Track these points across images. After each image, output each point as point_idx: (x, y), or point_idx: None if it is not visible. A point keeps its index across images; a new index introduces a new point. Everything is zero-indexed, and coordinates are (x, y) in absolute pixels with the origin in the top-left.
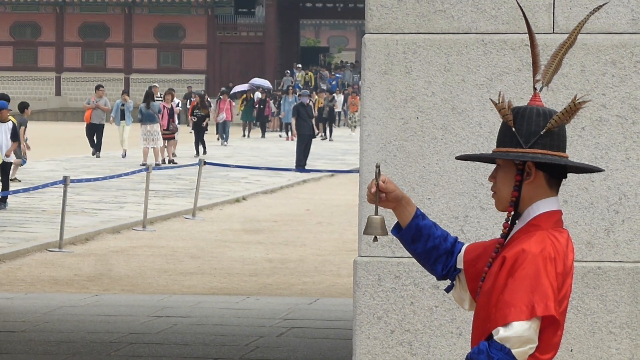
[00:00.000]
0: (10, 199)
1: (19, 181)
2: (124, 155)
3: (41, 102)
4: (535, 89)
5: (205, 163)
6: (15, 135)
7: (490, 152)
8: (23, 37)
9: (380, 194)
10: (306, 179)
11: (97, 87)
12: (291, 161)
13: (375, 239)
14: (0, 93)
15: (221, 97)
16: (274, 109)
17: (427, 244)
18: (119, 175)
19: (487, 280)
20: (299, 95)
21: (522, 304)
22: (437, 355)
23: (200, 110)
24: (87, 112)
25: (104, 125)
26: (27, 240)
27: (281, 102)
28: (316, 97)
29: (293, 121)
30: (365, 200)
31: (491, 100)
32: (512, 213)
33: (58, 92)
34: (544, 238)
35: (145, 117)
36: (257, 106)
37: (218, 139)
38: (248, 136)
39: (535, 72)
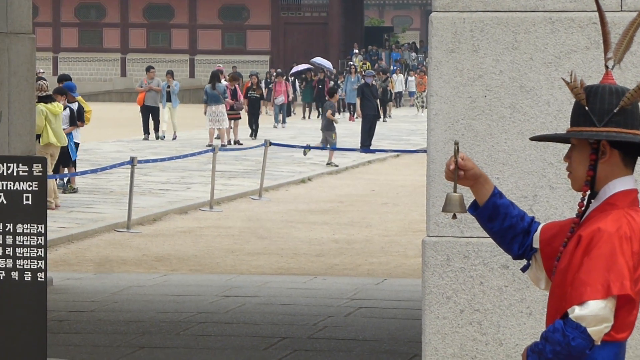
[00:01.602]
0: (78, 180)
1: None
2: (170, 138)
3: (106, 84)
4: (607, 67)
5: (270, 144)
6: (74, 119)
7: (559, 130)
8: (88, 18)
9: (459, 172)
10: (371, 160)
11: (148, 69)
12: (355, 142)
13: (454, 217)
14: (62, 74)
15: (276, 79)
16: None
17: (504, 223)
18: (186, 156)
19: (562, 259)
20: (363, 75)
21: (597, 282)
22: (507, 335)
23: (255, 92)
24: (140, 94)
25: (158, 107)
26: (95, 220)
27: (343, 82)
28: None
29: (358, 101)
30: (434, 180)
31: (563, 79)
32: (588, 192)
33: (123, 73)
34: (620, 217)
35: (211, 98)
36: (315, 87)
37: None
38: (309, 117)
39: (606, 50)
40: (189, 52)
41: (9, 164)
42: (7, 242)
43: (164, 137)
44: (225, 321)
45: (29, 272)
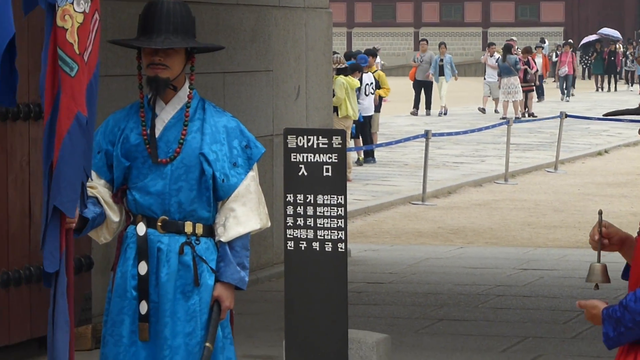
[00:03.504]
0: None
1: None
2: (442, 113)
3: (400, 58)
4: None
5: (566, 116)
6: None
7: None
8: None
9: (603, 240)
10: None
11: (420, 42)
12: None
13: (597, 287)
14: (349, 51)
15: (563, 49)
16: (628, 64)
17: None
18: (480, 129)
19: None
20: None
21: None
22: None
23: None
24: (412, 69)
25: (431, 82)
26: (390, 193)
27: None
28: None
29: None
30: None
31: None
32: None
33: (416, 48)
34: None
35: (503, 71)
36: (606, 58)
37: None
38: (601, 89)
39: None
40: (482, 25)
41: (309, 137)
42: (308, 213)
43: (445, 112)
44: (523, 294)
45: (330, 243)
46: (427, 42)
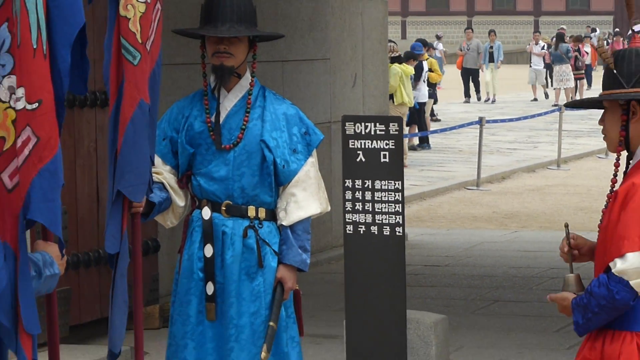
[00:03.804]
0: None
1: (439, 120)
2: (490, 101)
3: (454, 46)
4: (633, 31)
5: None
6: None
7: None
8: None
9: (573, 251)
10: None
11: (466, 30)
12: None
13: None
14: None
15: (614, 38)
16: None
17: None
18: (533, 116)
19: (604, 218)
20: None
21: (634, 235)
22: None
23: None
24: (460, 57)
25: (478, 69)
26: (445, 179)
27: None
28: None
29: None
30: None
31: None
32: (623, 153)
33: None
34: None
35: (555, 58)
36: None
37: None
38: None
39: (630, 15)
40: (534, 14)
41: (366, 124)
42: (366, 198)
43: (492, 99)
44: None
45: (387, 227)
46: (472, 30)
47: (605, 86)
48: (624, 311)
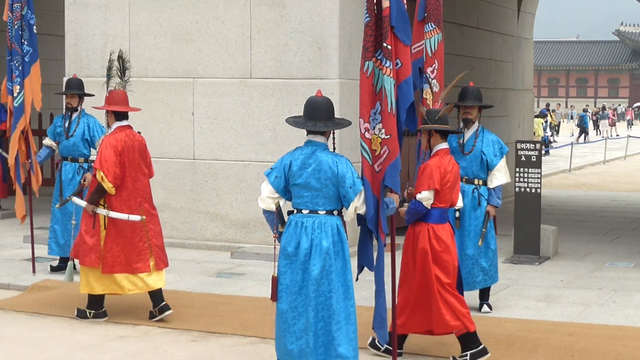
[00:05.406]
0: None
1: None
2: None
3: None
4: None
5: None
6: None
7: None
8: None
9: None
10: None
11: None
12: None
13: None
14: None
15: None
16: None
17: None
18: None
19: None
20: None
21: (425, 184)
22: None
23: None
24: None
25: None
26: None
27: None
28: None
29: None
30: None
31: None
32: (429, 151)
33: None
34: (433, 158)
35: None
36: None
37: None
38: None
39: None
40: None
41: (526, 144)
42: (524, 175)
43: None
44: None
45: (534, 189)
46: None
47: (425, 123)
48: (423, 213)
